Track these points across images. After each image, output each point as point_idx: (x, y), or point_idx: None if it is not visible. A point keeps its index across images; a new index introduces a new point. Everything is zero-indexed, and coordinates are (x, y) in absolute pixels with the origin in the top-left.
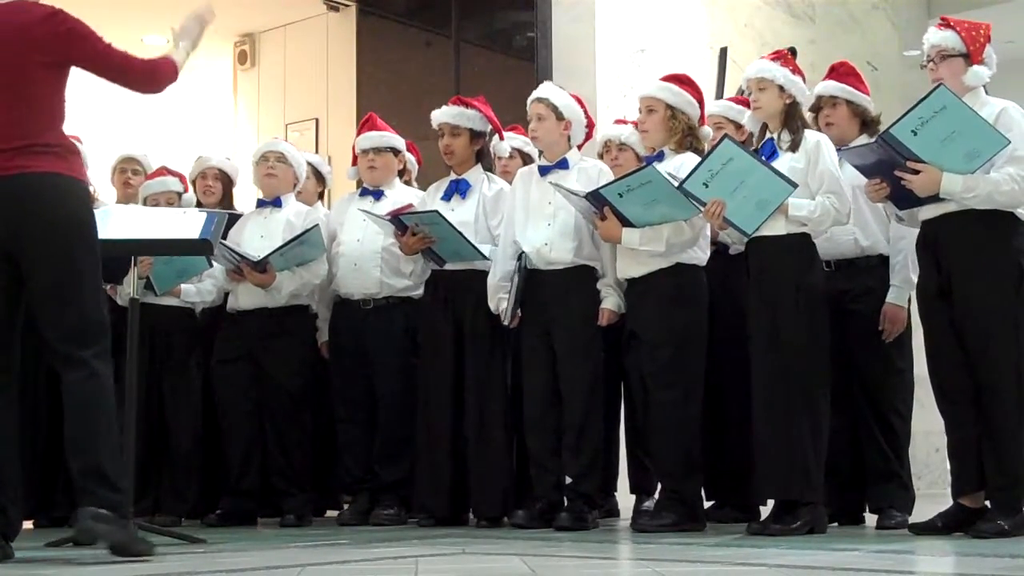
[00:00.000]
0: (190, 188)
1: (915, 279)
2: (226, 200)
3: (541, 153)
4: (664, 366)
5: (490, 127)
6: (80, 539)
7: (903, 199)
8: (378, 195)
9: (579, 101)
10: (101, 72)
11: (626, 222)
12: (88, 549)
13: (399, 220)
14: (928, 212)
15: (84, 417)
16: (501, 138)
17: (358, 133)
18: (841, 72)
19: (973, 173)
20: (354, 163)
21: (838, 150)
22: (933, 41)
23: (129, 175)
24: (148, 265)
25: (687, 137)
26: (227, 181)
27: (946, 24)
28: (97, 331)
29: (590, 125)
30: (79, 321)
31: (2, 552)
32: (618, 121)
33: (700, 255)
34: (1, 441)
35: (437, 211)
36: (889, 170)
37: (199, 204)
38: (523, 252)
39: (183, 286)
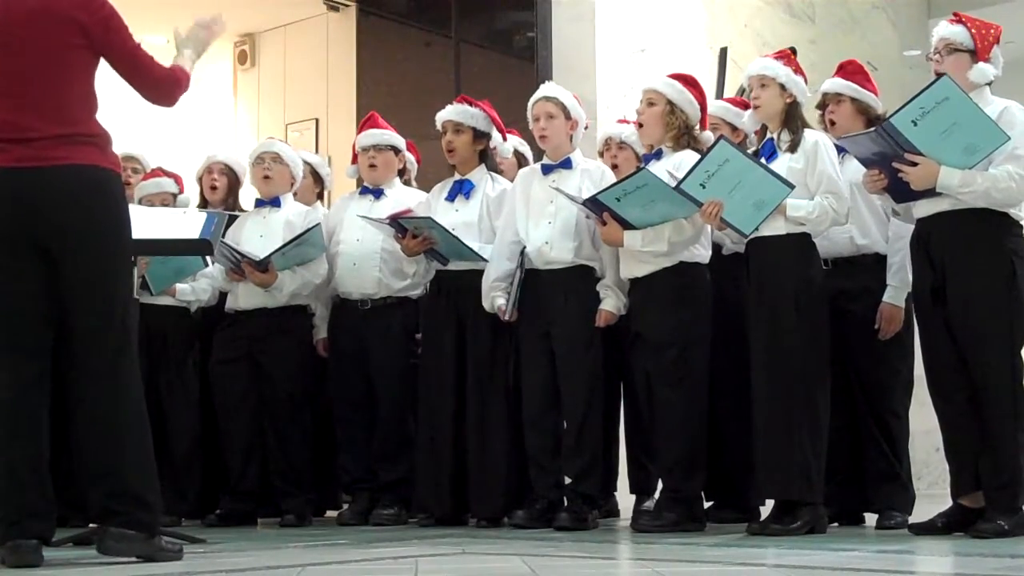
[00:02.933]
0: (188, 186)
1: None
2: (231, 198)
3: (543, 153)
4: (670, 365)
5: (494, 129)
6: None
7: (900, 192)
8: (378, 194)
9: (576, 99)
10: (126, 70)
11: (627, 224)
12: (88, 549)
13: (398, 223)
14: (922, 210)
15: (108, 437)
16: (504, 139)
17: (359, 131)
18: (849, 71)
19: (971, 169)
20: (354, 161)
21: (838, 139)
22: (942, 34)
23: (129, 173)
24: (145, 265)
25: (684, 136)
26: (233, 177)
27: (958, 20)
28: (128, 336)
29: (586, 124)
30: (116, 324)
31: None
32: (620, 121)
33: (703, 252)
34: (35, 439)
35: (431, 218)
36: (887, 161)
37: (204, 199)
38: (524, 249)
39: (179, 285)
